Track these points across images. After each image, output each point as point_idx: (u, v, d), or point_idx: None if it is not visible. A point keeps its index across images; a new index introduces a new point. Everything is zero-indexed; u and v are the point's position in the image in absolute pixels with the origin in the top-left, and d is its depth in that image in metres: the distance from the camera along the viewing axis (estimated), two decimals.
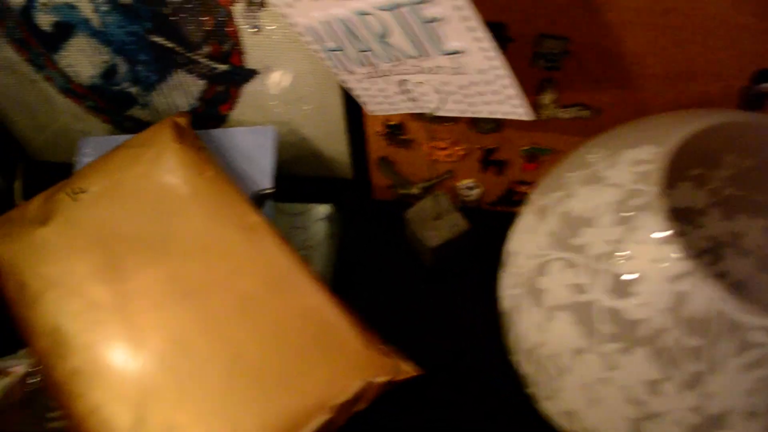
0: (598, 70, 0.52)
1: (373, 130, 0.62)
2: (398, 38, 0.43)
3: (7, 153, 0.79)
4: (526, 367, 0.47)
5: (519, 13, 0.49)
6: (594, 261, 0.39)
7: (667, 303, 0.36)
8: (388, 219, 0.69)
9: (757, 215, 0.51)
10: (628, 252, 0.38)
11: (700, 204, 0.53)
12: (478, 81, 0.44)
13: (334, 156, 0.71)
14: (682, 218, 0.54)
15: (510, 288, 0.48)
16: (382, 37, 0.44)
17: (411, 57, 0.45)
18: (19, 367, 0.54)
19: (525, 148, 0.60)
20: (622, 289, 0.38)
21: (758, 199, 0.51)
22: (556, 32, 0.49)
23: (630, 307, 0.38)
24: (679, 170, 0.48)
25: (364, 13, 0.42)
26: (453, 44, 0.42)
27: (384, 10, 0.41)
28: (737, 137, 0.46)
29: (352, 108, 0.61)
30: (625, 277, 0.38)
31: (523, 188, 0.65)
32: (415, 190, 0.69)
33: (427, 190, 0.69)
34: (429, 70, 0.46)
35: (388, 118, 0.60)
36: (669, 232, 0.36)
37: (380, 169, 0.67)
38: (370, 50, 0.46)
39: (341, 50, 0.48)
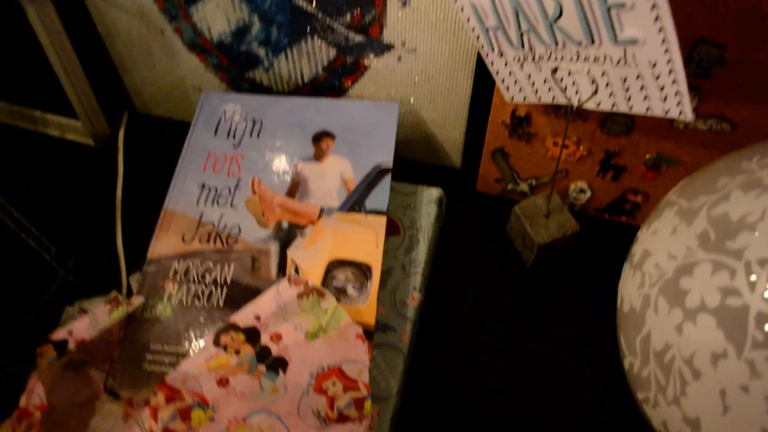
0: (747, 84, 0.51)
1: (498, 119, 0.62)
2: (570, 21, 0.43)
3: (117, 103, 0.81)
4: (646, 369, 0.46)
5: (682, 13, 0.48)
6: (755, 266, 0.38)
7: None
8: (491, 212, 0.69)
9: None
10: None
11: None
12: (646, 74, 0.44)
13: (446, 142, 0.70)
14: None
15: (640, 288, 0.47)
16: (553, 19, 0.44)
17: (577, 43, 0.45)
18: (137, 299, 0.54)
19: (650, 156, 0.59)
20: None
21: None
22: (716, 39, 0.49)
23: None
24: None
25: None
26: (631, 33, 0.41)
27: None
28: None
29: (480, 94, 0.61)
30: None
31: (636, 198, 0.65)
32: (523, 187, 0.69)
33: (534, 189, 0.68)
34: (591, 59, 0.46)
35: (516, 108, 0.60)
36: None
37: (494, 160, 0.67)
38: (533, 31, 0.46)
39: (500, 29, 0.48)
